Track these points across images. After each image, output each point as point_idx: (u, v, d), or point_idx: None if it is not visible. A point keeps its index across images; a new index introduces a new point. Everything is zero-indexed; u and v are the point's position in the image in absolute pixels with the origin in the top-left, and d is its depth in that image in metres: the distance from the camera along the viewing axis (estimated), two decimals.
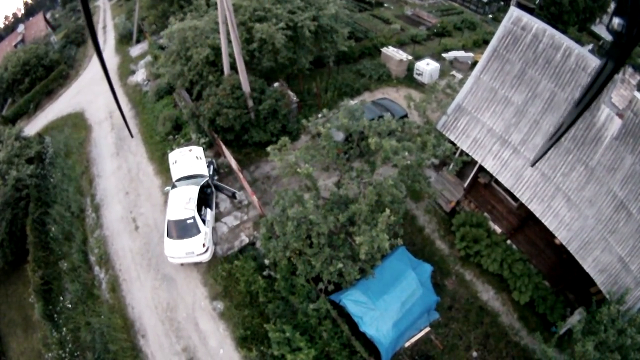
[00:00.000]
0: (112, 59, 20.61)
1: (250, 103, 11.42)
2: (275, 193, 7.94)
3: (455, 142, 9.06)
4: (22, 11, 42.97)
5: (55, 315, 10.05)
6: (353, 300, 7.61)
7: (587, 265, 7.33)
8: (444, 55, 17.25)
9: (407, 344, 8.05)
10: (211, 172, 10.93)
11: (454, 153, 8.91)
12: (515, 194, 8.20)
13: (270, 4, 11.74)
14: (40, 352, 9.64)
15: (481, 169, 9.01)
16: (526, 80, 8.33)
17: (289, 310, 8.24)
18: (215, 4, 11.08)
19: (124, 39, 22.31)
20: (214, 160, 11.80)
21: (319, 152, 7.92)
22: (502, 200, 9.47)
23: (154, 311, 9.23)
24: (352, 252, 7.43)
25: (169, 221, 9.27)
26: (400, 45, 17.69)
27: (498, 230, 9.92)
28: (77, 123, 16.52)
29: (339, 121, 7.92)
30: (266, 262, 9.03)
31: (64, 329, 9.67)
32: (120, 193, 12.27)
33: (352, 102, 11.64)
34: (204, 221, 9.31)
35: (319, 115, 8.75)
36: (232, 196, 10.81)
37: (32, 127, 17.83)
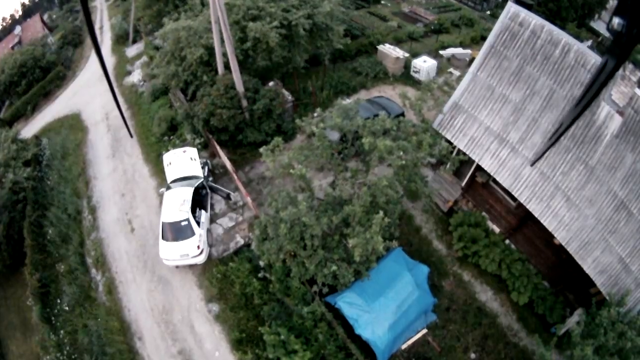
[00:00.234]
0: (108, 60, 20.52)
1: (244, 103, 11.30)
2: (268, 195, 7.84)
3: (452, 141, 8.91)
4: (20, 12, 42.97)
5: (53, 318, 10.05)
6: (348, 303, 7.52)
7: (587, 266, 7.19)
8: (441, 52, 17.04)
9: (403, 346, 7.97)
10: (206, 173, 10.85)
11: (451, 152, 8.77)
12: (513, 193, 8.06)
13: (264, 2, 11.59)
14: (38, 355, 9.64)
15: (479, 168, 8.86)
16: (524, 78, 8.15)
17: (285, 313, 8.17)
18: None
19: (121, 39, 22.22)
20: (208, 161, 11.72)
21: (312, 153, 7.80)
22: (501, 199, 9.33)
23: (150, 314, 9.20)
24: (347, 254, 7.33)
25: (163, 223, 9.22)
26: (397, 42, 17.48)
27: (496, 229, 9.78)
28: (73, 125, 16.49)
29: (333, 120, 7.79)
30: (261, 263, 8.95)
31: (62, 331, 9.67)
32: (116, 195, 12.24)
33: (347, 101, 11.45)
34: (198, 223, 9.25)
35: (314, 115, 8.62)
36: (227, 197, 10.73)
37: (29, 129, 17.82)
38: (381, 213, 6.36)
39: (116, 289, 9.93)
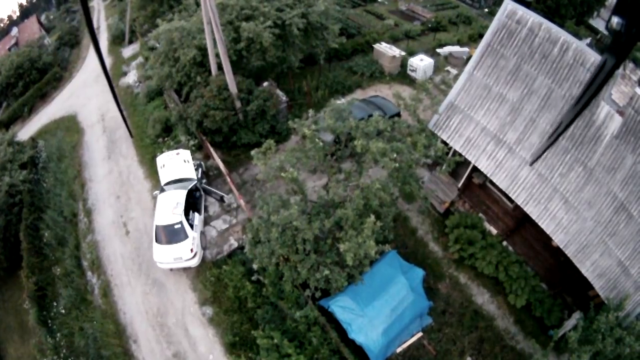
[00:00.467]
0: (105, 60, 20.41)
1: (237, 104, 11.18)
2: (260, 198, 7.73)
3: (448, 141, 8.75)
4: (17, 13, 42.89)
5: (50, 321, 10.05)
6: (342, 307, 7.44)
7: (586, 269, 7.05)
8: (438, 50, 16.79)
9: (398, 350, 7.88)
10: (199, 175, 10.76)
11: (447, 153, 8.61)
12: (510, 195, 7.91)
13: (257, 2, 11.42)
14: (36, 358, 9.66)
15: (475, 168, 8.70)
16: (522, 77, 7.97)
17: (278, 316, 8.11)
18: None
19: (117, 40, 22.13)
20: (202, 163, 11.63)
21: (305, 155, 7.67)
22: (498, 201, 9.17)
23: (144, 316, 9.18)
24: (340, 258, 7.22)
25: (157, 226, 9.16)
26: (394, 41, 17.23)
27: (493, 231, 9.64)
28: (70, 126, 16.43)
29: (325, 122, 7.65)
30: (254, 267, 8.88)
31: (58, 334, 9.68)
32: (111, 197, 12.19)
33: (340, 101, 11.29)
34: (192, 226, 9.18)
35: (309, 115, 8.48)
36: (221, 200, 10.64)
37: (26, 131, 17.80)
38: (373, 217, 6.23)
39: (111, 291, 9.91)
